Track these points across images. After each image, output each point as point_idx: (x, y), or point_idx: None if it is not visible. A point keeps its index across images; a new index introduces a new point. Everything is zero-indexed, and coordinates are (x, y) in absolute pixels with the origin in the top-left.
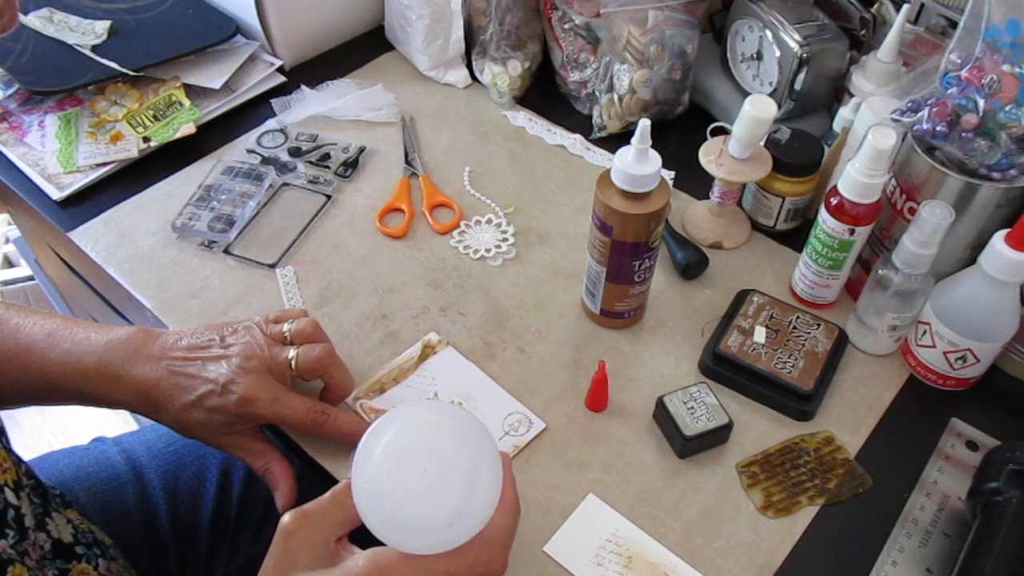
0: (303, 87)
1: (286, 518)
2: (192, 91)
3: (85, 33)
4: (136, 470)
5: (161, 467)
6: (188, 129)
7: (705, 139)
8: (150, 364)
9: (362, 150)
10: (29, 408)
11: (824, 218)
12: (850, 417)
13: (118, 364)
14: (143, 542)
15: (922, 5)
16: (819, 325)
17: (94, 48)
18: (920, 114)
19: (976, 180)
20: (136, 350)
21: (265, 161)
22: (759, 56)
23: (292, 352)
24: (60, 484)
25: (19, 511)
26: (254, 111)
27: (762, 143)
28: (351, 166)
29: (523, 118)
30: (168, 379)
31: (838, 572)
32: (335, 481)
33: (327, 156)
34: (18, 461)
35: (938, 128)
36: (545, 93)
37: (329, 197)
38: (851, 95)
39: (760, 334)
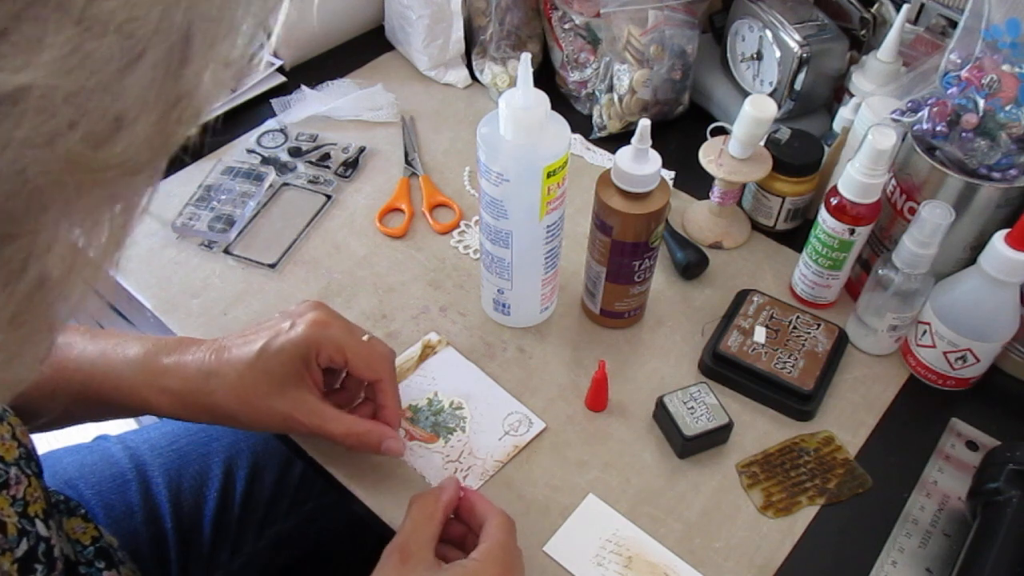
0: (303, 87)
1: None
2: None
3: None
4: (140, 468)
5: (164, 465)
6: None
7: (705, 139)
8: (204, 346)
9: (362, 150)
10: None
11: (824, 218)
12: (850, 417)
13: (166, 352)
14: (146, 540)
15: (922, 5)
16: (819, 325)
17: None
18: (920, 114)
19: (976, 180)
20: (187, 341)
21: (265, 161)
22: (759, 56)
23: (366, 336)
24: (65, 482)
25: (49, 543)
26: (254, 111)
27: (762, 143)
28: (351, 166)
29: None
30: (228, 340)
31: (838, 572)
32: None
33: (327, 156)
34: (46, 487)
35: (938, 128)
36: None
37: (329, 197)
38: (851, 95)
39: (760, 334)
